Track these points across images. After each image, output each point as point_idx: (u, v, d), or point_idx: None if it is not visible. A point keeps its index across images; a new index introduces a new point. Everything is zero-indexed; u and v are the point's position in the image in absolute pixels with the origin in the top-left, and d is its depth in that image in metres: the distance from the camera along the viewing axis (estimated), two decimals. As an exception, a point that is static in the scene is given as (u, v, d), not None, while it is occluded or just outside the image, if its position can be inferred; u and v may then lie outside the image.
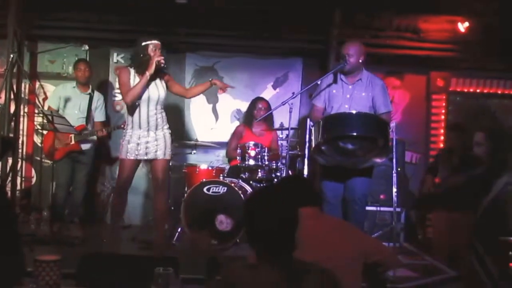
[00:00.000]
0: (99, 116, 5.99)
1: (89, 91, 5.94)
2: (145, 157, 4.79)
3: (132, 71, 4.74)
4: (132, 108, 4.71)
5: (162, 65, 4.67)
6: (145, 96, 4.69)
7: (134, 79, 4.71)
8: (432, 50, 6.82)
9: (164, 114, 4.86)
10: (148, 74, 4.60)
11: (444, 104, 7.22)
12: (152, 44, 4.68)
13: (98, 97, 6.02)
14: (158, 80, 4.78)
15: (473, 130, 6.27)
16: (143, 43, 4.68)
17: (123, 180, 4.81)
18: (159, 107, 4.79)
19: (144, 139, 4.74)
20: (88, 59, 6.73)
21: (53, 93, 6.13)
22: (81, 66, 5.90)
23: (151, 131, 4.75)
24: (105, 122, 6.18)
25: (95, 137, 5.79)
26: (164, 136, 4.83)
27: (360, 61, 4.70)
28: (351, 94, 4.71)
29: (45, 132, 5.98)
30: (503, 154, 7.12)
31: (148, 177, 6.47)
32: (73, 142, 5.71)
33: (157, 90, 4.75)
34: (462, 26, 6.58)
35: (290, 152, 5.51)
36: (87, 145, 5.82)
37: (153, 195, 5.07)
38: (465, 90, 7.25)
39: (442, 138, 7.17)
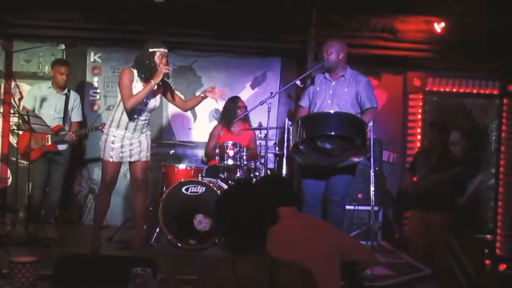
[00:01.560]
0: (75, 116, 5.93)
1: (65, 91, 5.87)
2: (129, 159, 4.79)
3: (135, 73, 4.68)
4: (125, 108, 4.65)
5: (169, 76, 4.71)
6: (143, 103, 4.67)
7: (136, 82, 4.66)
8: (408, 50, 6.89)
9: (149, 118, 4.89)
10: (154, 83, 4.57)
11: (420, 103, 7.30)
12: (159, 52, 4.62)
13: (74, 97, 5.95)
14: (156, 87, 4.72)
15: (449, 129, 6.37)
16: (150, 49, 4.62)
17: (108, 181, 4.78)
18: (149, 114, 4.83)
19: (128, 141, 4.73)
20: (64, 58, 6.66)
21: (28, 93, 6.04)
22: (61, 70, 5.77)
23: (136, 133, 4.75)
24: (82, 122, 6.12)
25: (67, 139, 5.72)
26: (146, 137, 4.86)
27: (340, 57, 4.75)
28: (334, 90, 4.77)
29: (20, 132, 5.90)
30: (478, 153, 7.26)
31: (126, 177, 6.43)
32: (49, 142, 5.65)
33: (154, 98, 4.76)
34: (438, 27, 6.65)
35: (269, 152, 5.52)
36: (63, 146, 5.76)
37: (131, 195, 5.05)
38: (442, 90, 7.34)
39: (419, 137, 7.26)
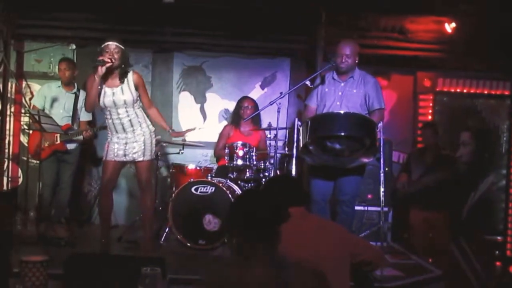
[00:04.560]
0: (84, 115, 5.94)
1: (74, 90, 5.89)
2: (124, 159, 4.75)
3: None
4: (102, 113, 4.71)
5: (108, 64, 4.49)
6: (109, 103, 4.64)
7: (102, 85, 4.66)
8: (419, 51, 6.85)
9: (139, 113, 4.78)
10: (97, 78, 4.51)
11: (431, 104, 7.27)
12: (105, 47, 4.59)
13: (83, 96, 5.96)
14: (124, 85, 4.67)
15: (459, 130, 6.35)
16: (101, 47, 4.61)
17: (106, 181, 4.79)
18: (130, 110, 4.70)
19: (123, 140, 4.72)
20: (75, 58, 6.69)
21: (37, 92, 6.05)
22: (61, 66, 5.85)
23: (128, 133, 4.72)
24: (91, 121, 6.13)
25: (81, 137, 5.74)
26: (144, 135, 4.75)
27: (356, 61, 4.74)
28: (343, 92, 4.75)
29: (31, 132, 5.93)
30: (488, 154, 7.21)
31: (135, 177, 6.45)
32: (58, 141, 5.66)
33: (122, 94, 4.65)
34: (449, 27, 6.62)
35: (278, 152, 5.51)
36: (72, 145, 5.77)
37: (139, 196, 5.05)
38: (452, 90, 7.30)
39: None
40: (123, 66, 4.66)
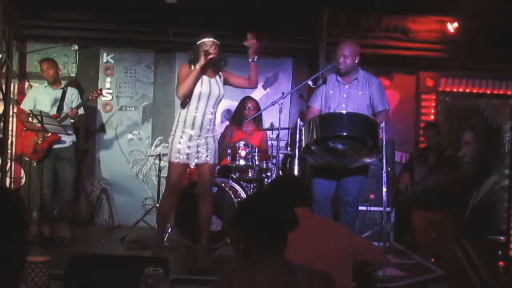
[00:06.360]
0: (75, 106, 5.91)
1: (62, 86, 5.91)
2: (196, 161, 4.60)
3: (192, 67, 4.59)
4: (190, 103, 4.56)
5: (211, 56, 4.52)
6: (206, 92, 4.54)
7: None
8: (421, 50, 6.86)
9: (215, 116, 4.71)
10: (198, 66, 4.46)
11: (433, 104, 7.26)
12: (204, 42, 4.59)
13: (71, 91, 5.93)
14: (217, 77, 4.67)
15: (462, 129, 6.34)
16: (198, 42, 4.60)
17: (173, 184, 4.61)
18: (216, 107, 4.65)
19: (195, 142, 4.55)
20: (77, 59, 6.75)
21: (27, 96, 6.05)
22: (43, 66, 5.86)
23: (203, 133, 4.57)
24: (82, 115, 6.11)
25: (69, 120, 5.69)
26: (214, 139, 4.67)
27: (356, 61, 4.71)
28: (348, 94, 4.73)
29: (23, 133, 5.93)
30: (490, 154, 7.19)
31: (138, 177, 6.46)
32: (50, 133, 5.63)
33: (218, 87, 4.62)
34: (451, 26, 6.62)
35: (280, 152, 5.51)
36: (66, 138, 5.74)
37: (198, 200, 4.74)
38: (454, 90, 7.30)
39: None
40: (222, 62, 4.75)
